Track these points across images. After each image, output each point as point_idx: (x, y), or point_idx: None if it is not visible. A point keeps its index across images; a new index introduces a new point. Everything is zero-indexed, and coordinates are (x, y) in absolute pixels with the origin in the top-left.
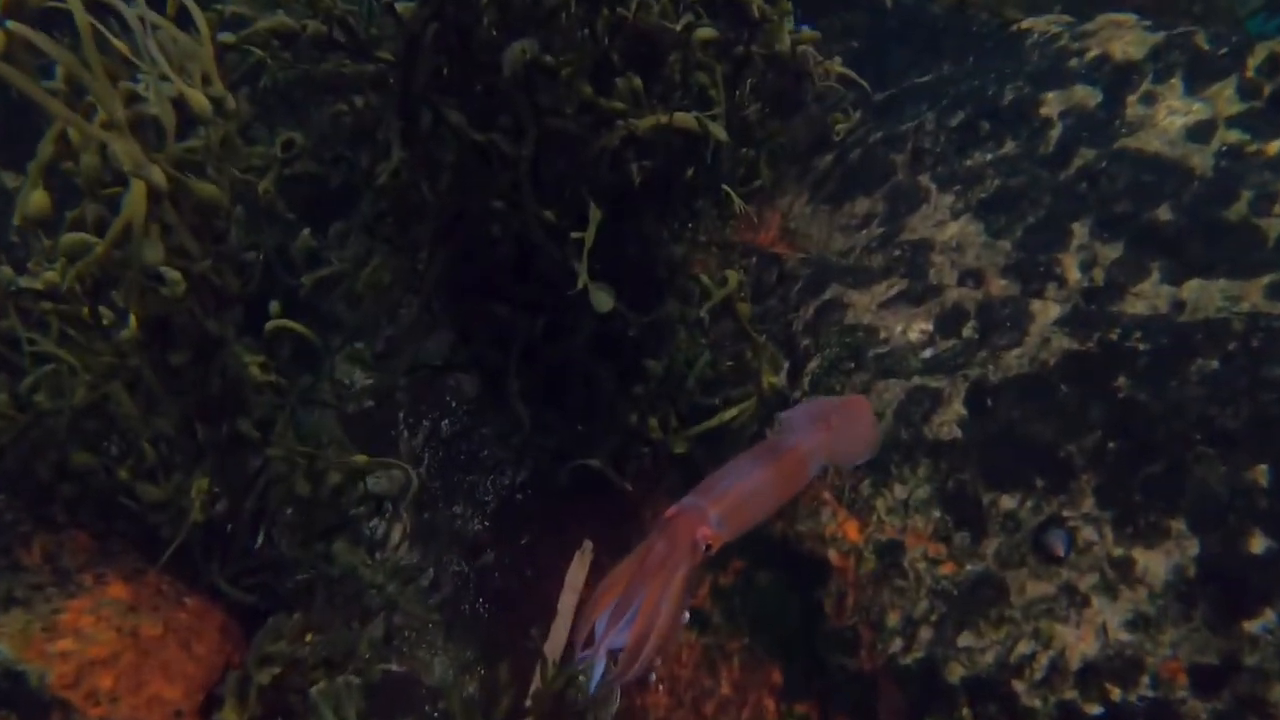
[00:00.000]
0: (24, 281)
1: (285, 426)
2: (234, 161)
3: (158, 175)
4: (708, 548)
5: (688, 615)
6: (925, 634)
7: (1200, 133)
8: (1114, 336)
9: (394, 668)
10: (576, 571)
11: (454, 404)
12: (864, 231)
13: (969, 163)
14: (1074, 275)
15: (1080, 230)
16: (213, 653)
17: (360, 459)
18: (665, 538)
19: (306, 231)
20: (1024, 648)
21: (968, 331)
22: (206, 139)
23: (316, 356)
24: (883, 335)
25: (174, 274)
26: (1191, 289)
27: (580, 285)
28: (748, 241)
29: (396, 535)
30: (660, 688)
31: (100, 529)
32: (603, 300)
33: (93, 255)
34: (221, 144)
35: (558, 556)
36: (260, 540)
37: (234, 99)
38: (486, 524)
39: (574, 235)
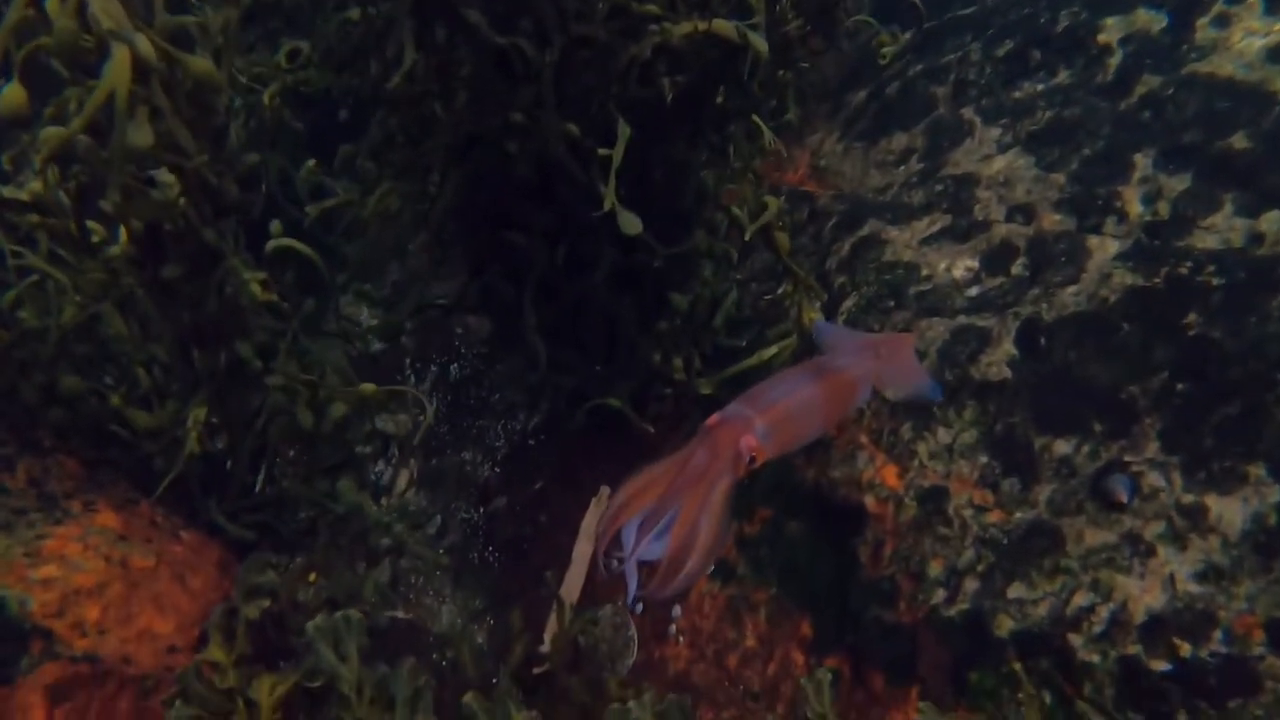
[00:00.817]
0: (7, 192)
1: (288, 353)
2: (231, 50)
3: (144, 45)
4: (752, 460)
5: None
6: (971, 585)
7: None
8: (1183, 271)
9: (400, 614)
10: (591, 519)
11: (463, 347)
12: (902, 168)
13: (1018, 94)
14: (1136, 209)
15: (1143, 162)
16: (209, 588)
17: (368, 387)
18: (707, 446)
19: (312, 162)
20: (1081, 599)
21: (1018, 269)
22: (205, 19)
23: (323, 292)
24: (925, 272)
25: (167, 176)
26: (1271, 220)
27: (607, 207)
28: (775, 180)
29: (403, 481)
30: (680, 639)
31: (91, 456)
32: (631, 223)
33: (69, 129)
34: (222, 30)
35: (572, 503)
36: (262, 477)
37: None
38: (497, 470)
39: (601, 152)
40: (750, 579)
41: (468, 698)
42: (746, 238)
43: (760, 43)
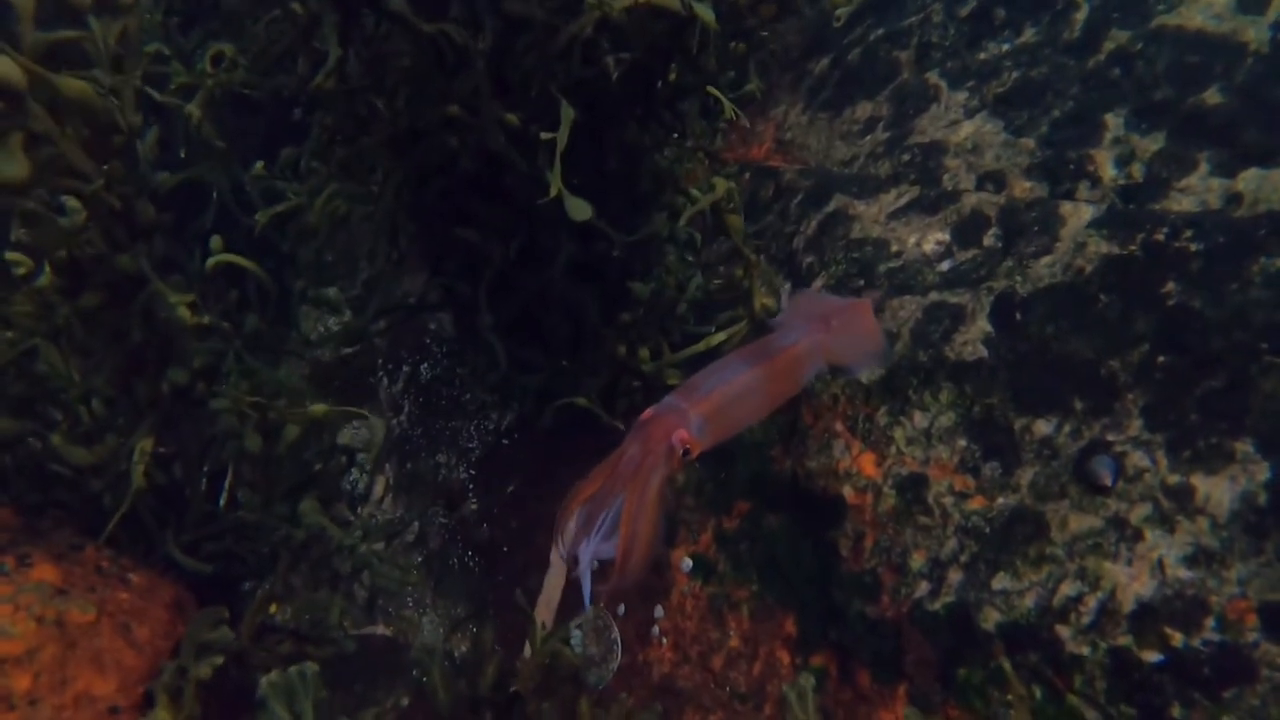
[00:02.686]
0: None
1: (234, 375)
2: (135, 61)
3: (7, 67)
4: (686, 452)
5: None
6: (955, 576)
7: (1253, 1)
8: (1160, 237)
9: (379, 631)
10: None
11: (434, 346)
12: (868, 137)
13: (983, 55)
14: (1109, 172)
15: (1114, 122)
16: (158, 635)
17: (317, 409)
18: (639, 441)
19: (260, 164)
20: (1068, 589)
21: (989, 240)
22: (92, 35)
23: (283, 303)
24: (894, 248)
25: (73, 202)
26: (1248, 179)
27: (553, 193)
28: (740, 156)
29: (379, 489)
30: (664, 641)
31: (34, 501)
32: (580, 208)
33: None
34: (120, 42)
35: (547, 503)
36: (224, 502)
37: None
38: (472, 472)
39: (544, 135)
40: (731, 576)
41: None
42: (681, 221)
43: (706, 12)
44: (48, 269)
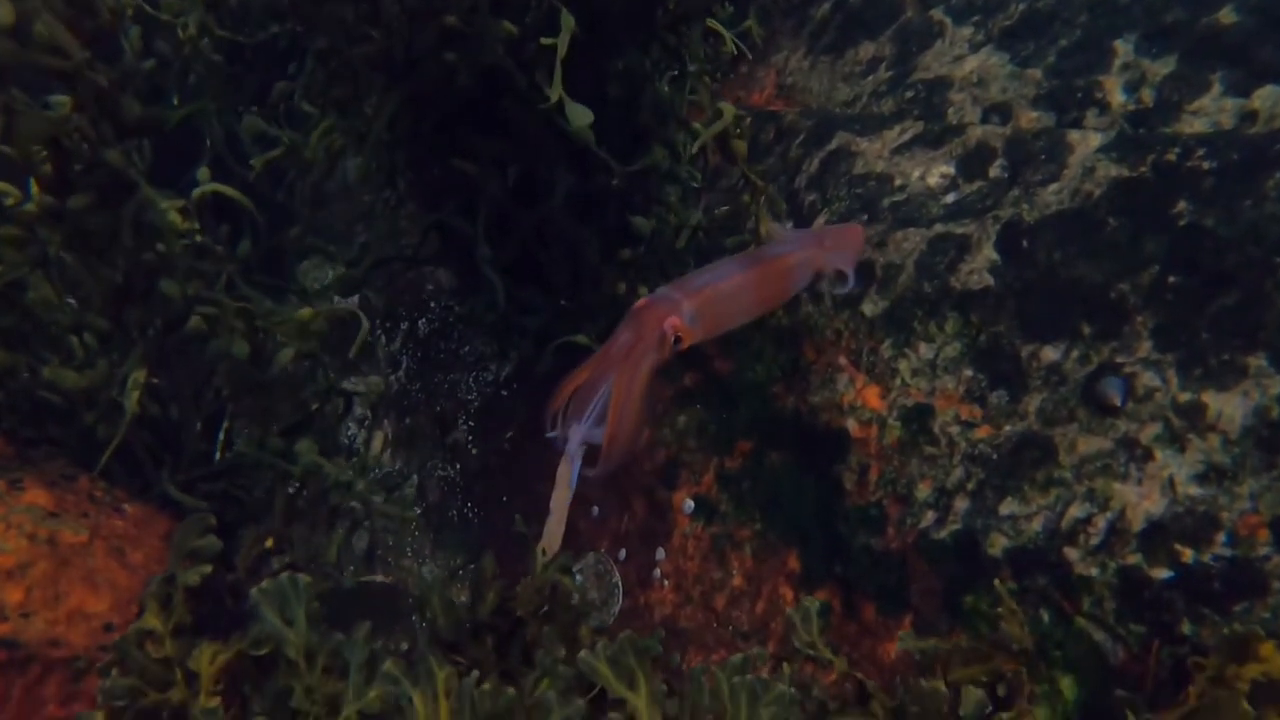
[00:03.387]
0: None
1: (221, 289)
2: None
3: None
4: (677, 340)
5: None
6: (961, 504)
7: None
8: (1171, 158)
9: (379, 578)
10: (566, 467)
11: (431, 301)
12: (870, 77)
13: None
14: (1118, 99)
15: (1123, 48)
16: (152, 560)
17: (305, 313)
18: (631, 327)
19: (255, 111)
20: (1077, 511)
21: (995, 171)
22: None
23: (279, 259)
24: (898, 182)
25: (59, 98)
26: (1264, 96)
27: (554, 99)
28: (739, 102)
29: (378, 443)
30: (665, 583)
31: (28, 435)
32: (580, 114)
33: None
34: None
35: (545, 450)
36: (221, 442)
37: None
38: (471, 424)
39: (544, 41)
40: (733, 516)
41: (387, 665)
42: (693, 149)
43: None
44: (35, 190)
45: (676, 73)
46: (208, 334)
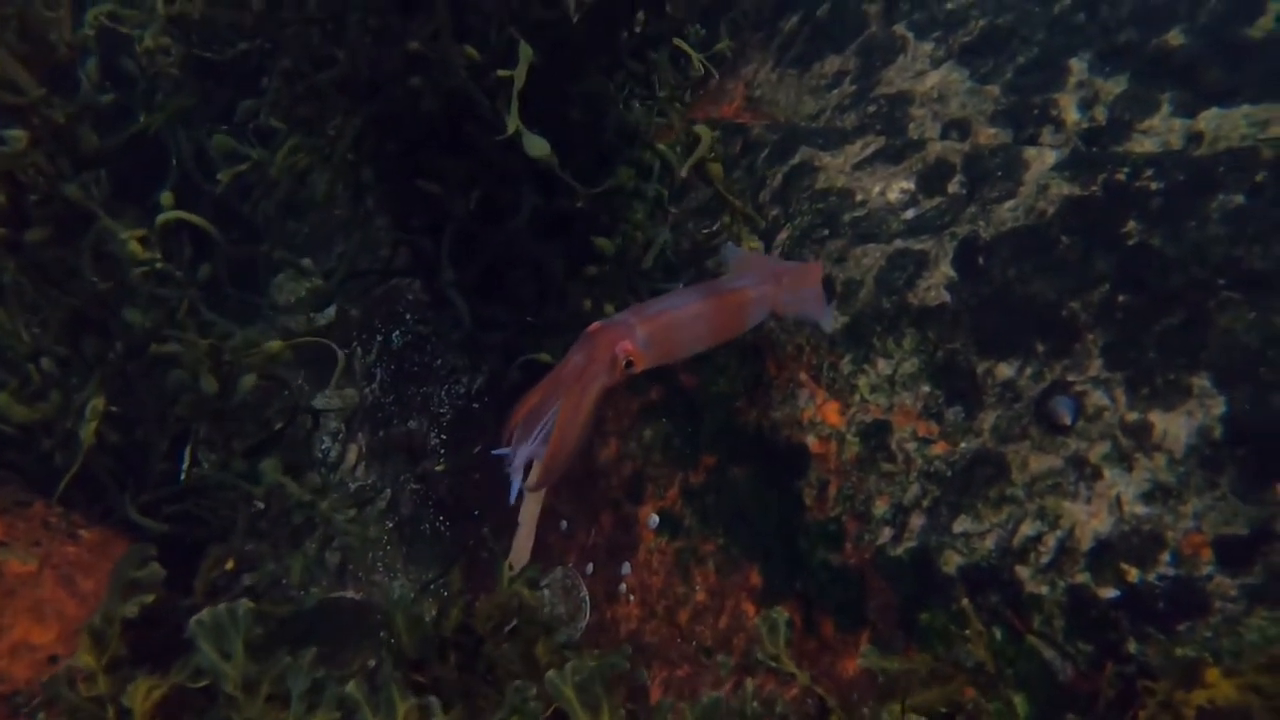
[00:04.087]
0: None
1: (189, 328)
2: None
3: None
4: (629, 364)
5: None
6: (917, 521)
7: None
8: (1121, 178)
9: (349, 594)
10: (534, 503)
11: (406, 313)
12: (835, 91)
13: (950, 5)
14: (1072, 116)
15: (1078, 66)
16: (105, 588)
17: (273, 345)
18: (584, 349)
19: (224, 130)
20: (1028, 529)
21: (954, 187)
22: None
23: (251, 273)
24: (859, 198)
25: (14, 131)
26: (1209, 119)
27: (510, 130)
28: (708, 115)
29: (351, 456)
30: (631, 598)
31: None
32: (537, 145)
33: None
34: None
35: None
36: (186, 464)
37: None
38: (443, 436)
39: (500, 73)
40: (697, 530)
41: (349, 687)
42: (683, 173)
43: None
44: None
45: (645, 94)
46: (170, 362)
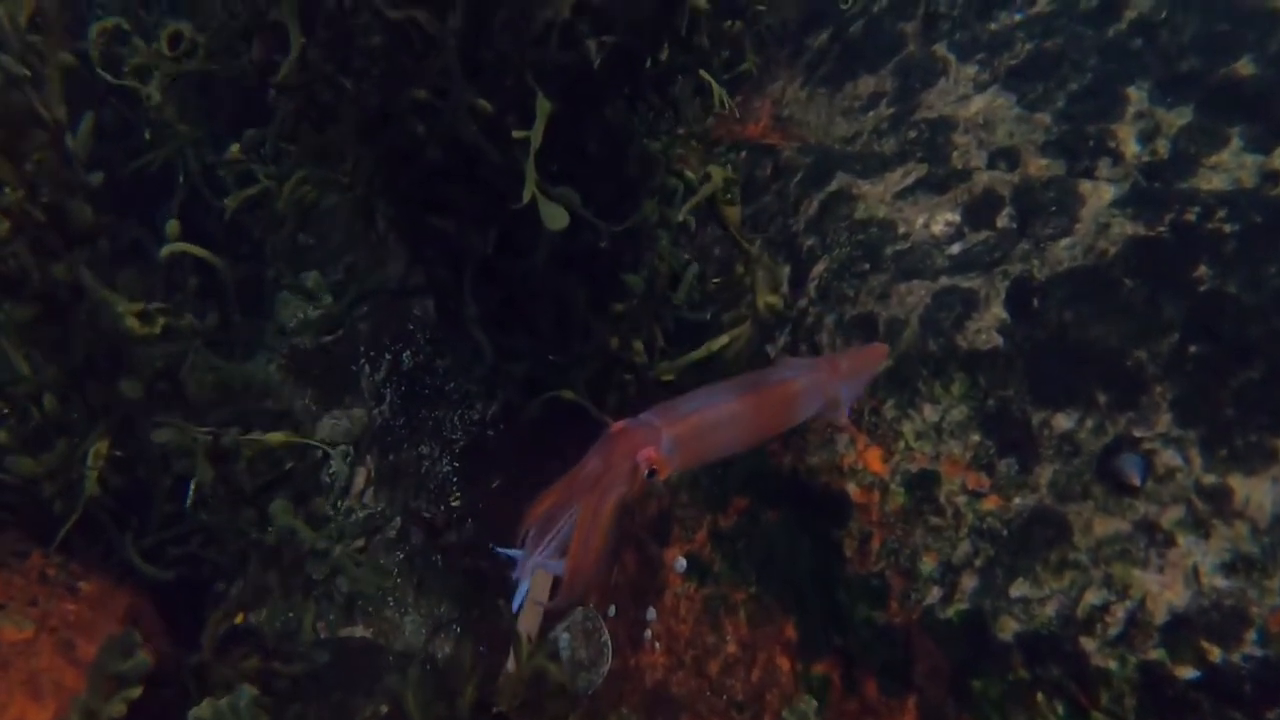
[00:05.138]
0: None
1: (196, 371)
2: (56, 46)
3: None
4: (651, 473)
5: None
6: (969, 582)
7: None
8: (1190, 218)
9: (358, 633)
10: (533, 608)
11: (417, 332)
12: (871, 113)
13: (994, 26)
14: (1131, 148)
15: (1136, 95)
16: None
17: (274, 438)
18: (602, 454)
19: (235, 147)
20: (1094, 597)
21: (1003, 221)
22: None
23: (258, 290)
24: (901, 230)
25: None
26: None
27: (526, 199)
28: (735, 134)
29: (360, 481)
30: (657, 646)
31: None
32: (556, 217)
33: None
34: (34, 20)
35: (532, 501)
36: (190, 501)
37: None
38: (456, 464)
39: (517, 134)
40: (728, 576)
41: None
42: (680, 217)
43: None
44: None
45: (668, 124)
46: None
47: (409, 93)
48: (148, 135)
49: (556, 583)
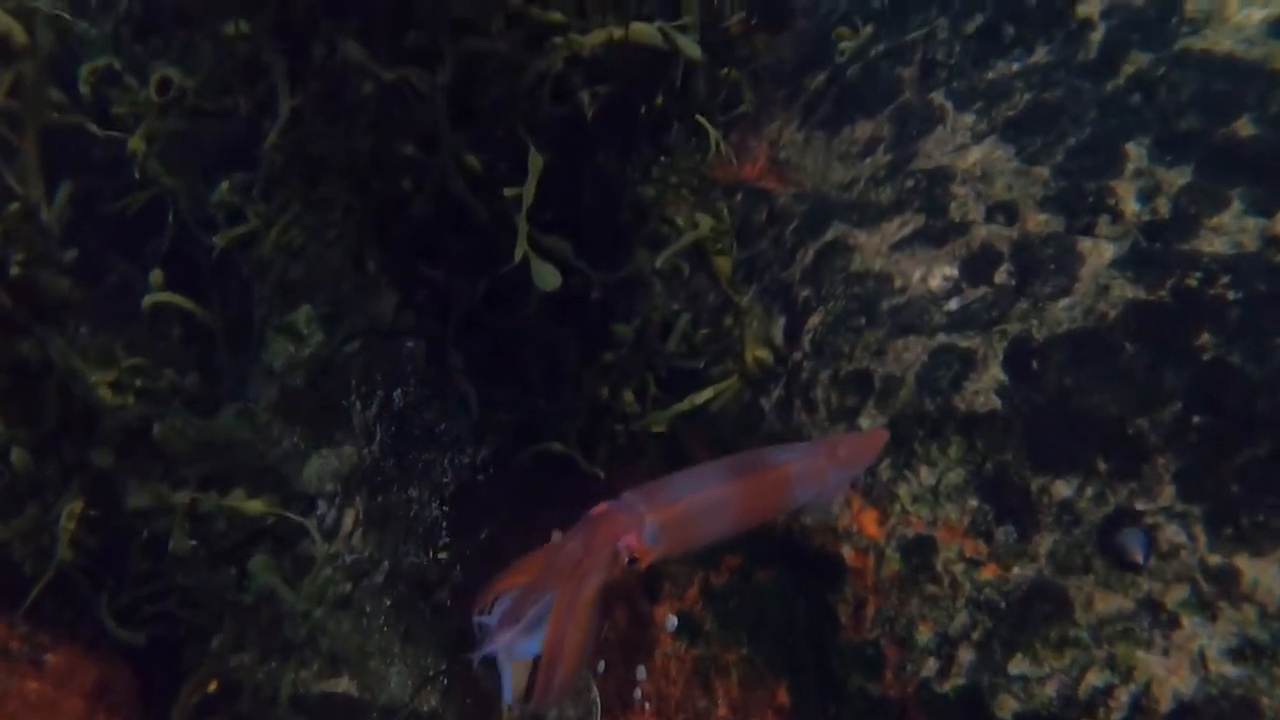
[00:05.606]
0: None
1: (173, 430)
2: (35, 116)
3: None
4: (633, 560)
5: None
6: (966, 655)
7: None
8: (1192, 283)
9: (341, 687)
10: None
11: (409, 371)
12: (868, 160)
13: (991, 75)
14: (1131, 207)
15: (1136, 152)
16: None
17: (254, 506)
18: (581, 538)
19: (225, 185)
20: (1095, 679)
21: (1001, 277)
22: None
23: (247, 328)
24: (898, 283)
25: None
26: None
27: (518, 259)
28: (731, 176)
29: (349, 522)
30: (646, 707)
31: None
32: (548, 277)
33: None
34: (11, 92)
35: (525, 549)
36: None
37: (20, 29)
38: (445, 509)
39: (508, 192)
40: (718, 637)
41: None
42: (659, 262)
43: (691, 47)
44: None
45: (660, 172)
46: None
47: (397, 147)
48: (137, 174)
49: (534, 665)
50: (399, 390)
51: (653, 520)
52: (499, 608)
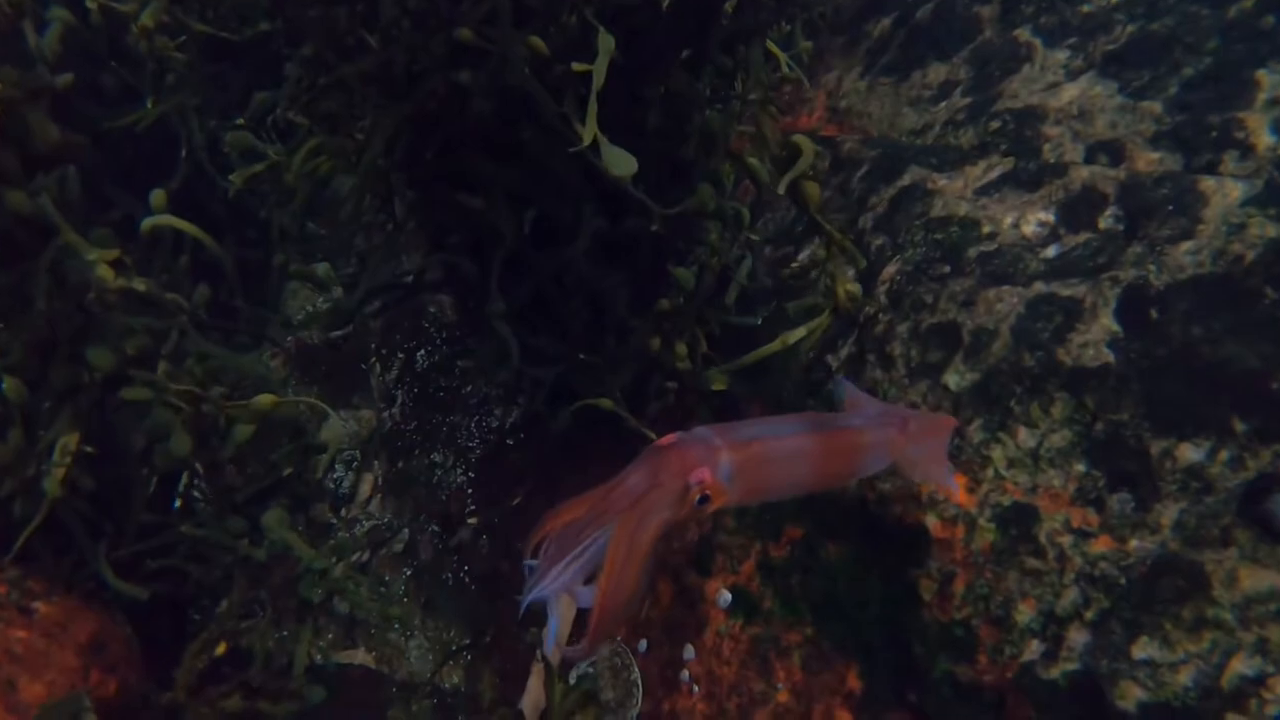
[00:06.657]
0: None
1: (187, 360)
2: None
3: None
4: (704, 499)
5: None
6: (1078, 637)
7: None
8: None
9: (358, 658)
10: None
11: (432, 330)
12: (944, 104)
13: (1086, 8)
14: (1265, 139)
15: (1269, 80)
16: (59, 690)
17: (265, 399)
18: (648, 469)
19: (240, 122)
20: (1243, 666)
21: (1107, 222)
22: None
23: (264, 277)
24: (986, 229)
25: None
26: None
27: (587, 141)
28: (786, 126)
29: (366, 488)
30: (695, 689)
31: None
32: (620, 161)
33: None
34: None
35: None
36: (179, 506)
37: None
38: (471, 475)
39: (576, 67)
40: (779, 615)
41: None
42: (781, 190)
43: None
44: None
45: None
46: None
47: (448, 33)
48: (150, 103)
49: (580, 616)
50: (423, 350)
51: (729, 457)
52: (549, 548)
